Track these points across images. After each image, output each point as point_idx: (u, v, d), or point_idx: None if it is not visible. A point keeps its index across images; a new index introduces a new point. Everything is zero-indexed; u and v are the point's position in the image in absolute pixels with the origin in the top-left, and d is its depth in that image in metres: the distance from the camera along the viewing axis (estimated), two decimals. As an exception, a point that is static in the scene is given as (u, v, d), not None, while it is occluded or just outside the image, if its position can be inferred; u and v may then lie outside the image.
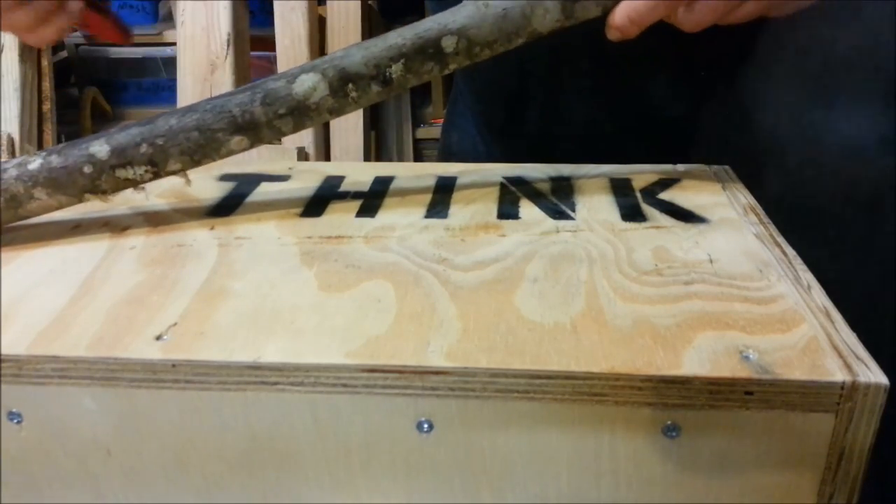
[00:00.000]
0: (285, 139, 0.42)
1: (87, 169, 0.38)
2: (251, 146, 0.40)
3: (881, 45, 0.47)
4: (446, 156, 0.70)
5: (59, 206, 0.39)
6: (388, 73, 0.38)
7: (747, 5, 0.37)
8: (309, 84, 0.38)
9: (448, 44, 0.38)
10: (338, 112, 0.39)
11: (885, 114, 0.50)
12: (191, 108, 0.39)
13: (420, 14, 1.80)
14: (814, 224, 0.50)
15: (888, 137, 0.50)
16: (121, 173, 0.38)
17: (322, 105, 0.39)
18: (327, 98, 0.39)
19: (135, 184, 0.39)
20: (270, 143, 0.40)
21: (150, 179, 0.39)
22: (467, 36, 0.38)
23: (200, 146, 0.39)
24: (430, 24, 0.38)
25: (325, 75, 0.38)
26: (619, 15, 0.38)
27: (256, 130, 0.39)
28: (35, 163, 0.38)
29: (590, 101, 0.54)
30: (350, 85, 0.38)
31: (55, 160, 0.38)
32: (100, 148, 0.38)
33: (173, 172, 0.39)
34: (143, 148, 0.38)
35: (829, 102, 0.51)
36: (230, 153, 0.39)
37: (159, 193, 0.45)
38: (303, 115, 0.39)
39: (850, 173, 0.51)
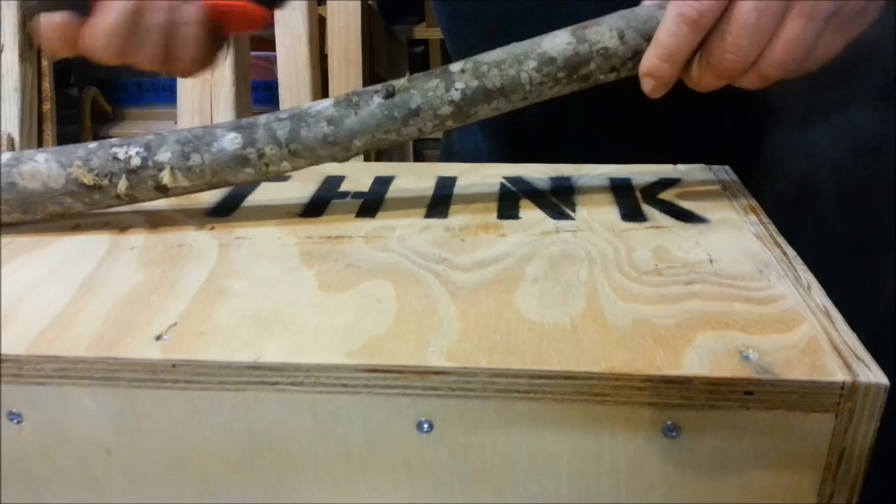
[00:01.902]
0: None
1: (91, 145, 0.39)
2: (242, 147, 0.39)
3: (884, 48, 0.47)
4: (448, 155, 0.70)
5: (48, 176, 0.38)
6: (392, 86, 0.39)
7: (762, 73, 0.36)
8: (323, 105, 0.39)
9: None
10: (336, 123, 0.39)
11: (885, 116, 0.50)
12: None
13: (420, 14, 1.80)
14: (813, 224, 0.50)
15: (889, 139, 0.50)
16: (115, 150, 0.39)
17: (322, 113, 0.39)
18: (329, 107, 0.39)
19: (126, 164, 0.38)
20: (265, 144, 0.39)
21: (138, 167, 0.38)
22: (474, 58, 0.39)
23: (196, 137, 0.39)
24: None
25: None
26: (646, 59, 0.36)
27: (252, 129, 0.39)
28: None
29: (593, 103, 0.54)
30: (355, 97, 0.39)
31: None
32: (115, 139, 0.39)
33: (160, 165, 0.39)
34: (148, 136, 0.39)
35: (831, 103, 0.51)
36: (221, 151, 0.39)
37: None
38: (301, 120, 0.39)
39: (851, 174, 0.51)
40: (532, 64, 0.38)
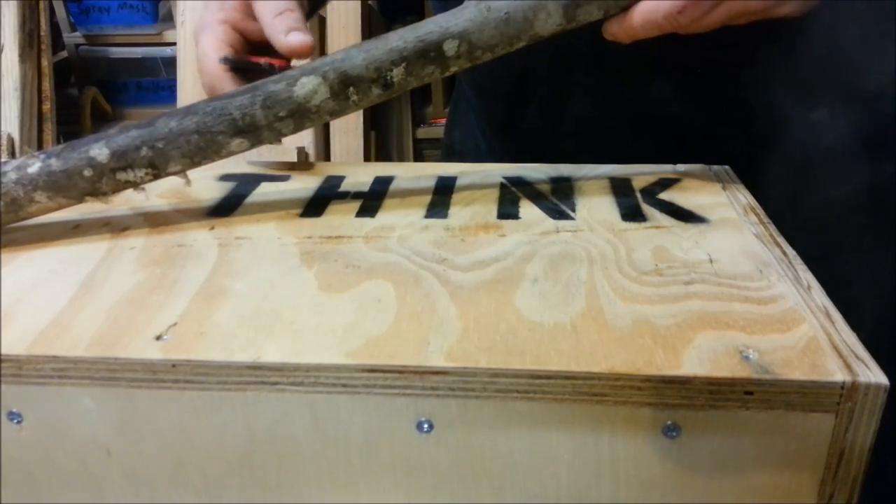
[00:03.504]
0: (285, 139, 0.42)
1: (87, 172, 0.38)
2: (251, 147, 0.40)
3: (882, 47, 0.47)
4: (449, 153, 0.70)
5: (60, 208, 0.39)
6: (389, 77, 0.38)
7: (745, 15, 0.38)
8: (310, 87, 0.38)
9: (450, 47, 0.38)
10: (339, 114, 0.39)
11: (885, 115, 0.50)
12: (190, 111, 0.38)
13: (420, 14, 1.80)
14: (813, 224, 0.50)
15: (889, 138, 0.50)
16: (121, 176, 0.38)
17: (323, 108, 0.39)
18: (328, 101, 0.38)
19: (135, 185, 0.39)
20: (270, 143, 0.40)
21: (151, 181, 0.39)
22: (469, 39, 0.38)
23: (201, 148, 0.38)
24: (431, 27, 0.38)
25: (325, 78, 0.38)
26: (614, 29, 0.39)
27: (257, 132, 0.39)
28: (34, 166, 0.38)
29: (591, 99, 0.54)
30: (351, 88, 0.38)
31: (54, 163, 0.38)
32: (99, 151, 0.38)
33: (174, 173, 0.39)
34: (143, 151, 0.38)
35: (830, 102, 0.51)
36: (230, 154, 0.40)
37: (159, 193, 0.45)
38: (303, 118, 0.39)
39: (850, 173, 0.51)
40: (522, 44, 0.39)
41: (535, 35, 0.39)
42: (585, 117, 0.55)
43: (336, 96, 0.38)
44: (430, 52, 0.38)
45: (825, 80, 0.48)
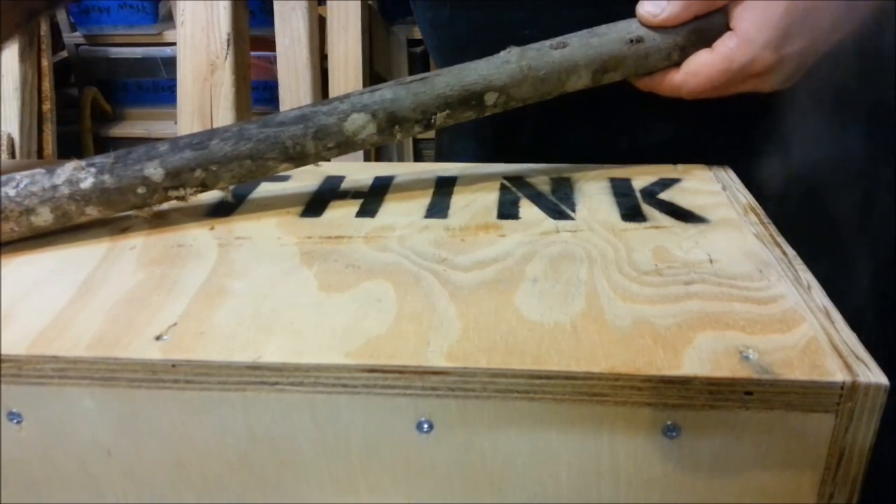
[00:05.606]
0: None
1: (140, 190, 0.39)
2: (293, 169, 0.42)
3: (884, 60, 0.47)
4: (438, 157, 0.70)
5: (105, 217, 0.40)
6: (432, 119, 0.41)
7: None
8: (359, 123, 0.40)
9: (490, 98, 0.42)
10: (379, 144, 0.42)
11: (886, 125, 0.50)
12: (243, 136, 0.40)
13: (420, 14, 1.80)
14: (814, 225, 0.50)
15: (890, 146, 0.50)
16: (172, 193, 0.40)
17: (367, 140, 0.41)
18: (373, 135, 0.41)
19: (182, 198, 0.40)
20: (311, 165, 0.43)
21: (196, 194, 0.41)
22: (508, 92, 0.42)
23: (251, 171, 0.40)
24: (475, 77, 0.42)
25: (374, 116, 0.41)
26: (644, 86, 0.44)
27: (304, 159, 0.41)
28: (87, 181, 0.38)
29: (586, 125, 0.54)
30: (396, 126, 0.41)
31: (108, 180, 0.38)
32: (154, 171, 0.39)
33: (220, 188, 0.41)
34: (197, 172, 0.39)
35: (831, 109, 0.51)
36: (273, 174, 0.42)
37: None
38: (348, 147, 0.42)
39: (851, 177, 0.51)
40: (550, 97, 0.43)
41: (564, 91, 0.43)
42: (580, 144, 0.55)
43: (381, 132, 0.41)
44: (472, 101, 0.42)
45: (824, 95, 0.48)
